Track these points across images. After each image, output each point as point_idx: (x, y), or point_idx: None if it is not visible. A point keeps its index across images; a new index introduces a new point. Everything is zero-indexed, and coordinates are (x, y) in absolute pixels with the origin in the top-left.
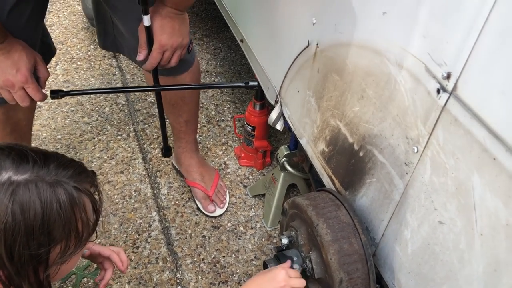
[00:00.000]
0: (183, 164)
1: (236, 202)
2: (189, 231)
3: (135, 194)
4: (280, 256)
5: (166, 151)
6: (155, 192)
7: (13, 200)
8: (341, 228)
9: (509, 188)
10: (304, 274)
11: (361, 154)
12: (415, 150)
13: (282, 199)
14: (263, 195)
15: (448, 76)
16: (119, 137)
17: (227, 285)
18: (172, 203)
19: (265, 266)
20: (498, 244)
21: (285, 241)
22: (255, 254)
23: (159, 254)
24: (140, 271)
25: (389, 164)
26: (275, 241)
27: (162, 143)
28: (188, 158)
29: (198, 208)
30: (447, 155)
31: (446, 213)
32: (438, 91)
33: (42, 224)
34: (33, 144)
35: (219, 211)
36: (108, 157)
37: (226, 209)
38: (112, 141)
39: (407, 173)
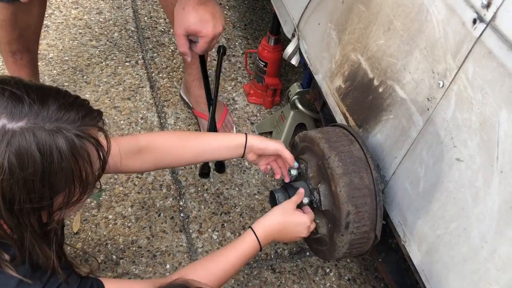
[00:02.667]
0: (192, 94)
1: None
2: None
3: (142, 121)
4: (287, 187)
5: (221, 167)
6: (161, 121)
7: (9, 152)
8: (352, 162)
9: None
10: (310, 205)
11: (380, 90)
12: (441, 85)
13: (290, 138)
14: (270, 133)
15: (488, 5)
16: (127, 64)
17: (229, 216)
18: None
19: (272, 195)
20: None
21: (294, 172)
22: (258, 189)
23: (163, 181)
24: (143, 196)
25: (410, 100)
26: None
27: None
28: (198, 87)
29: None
30: (474, 89)
31: (466, 150)
32: (474, 21)
33: (42, 176)
34: (39, 64)
35: None
36: (115, 82)
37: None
38: (120, 67)
39: (428, 109)
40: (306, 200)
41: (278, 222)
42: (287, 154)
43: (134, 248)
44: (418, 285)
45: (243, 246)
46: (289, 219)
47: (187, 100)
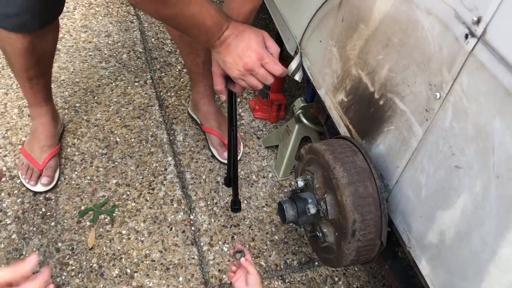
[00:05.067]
0: (201, 110)
1: (249, 152)
2: (203, 177)
3: (152, 139)
4: (295, 198)
5: (229, 181)
6: (171, 138)
7: None
8: (357, 172)
9: None
10: (317, 215)
11: (381, 102)
12: (438, 96)
13: (295, 151)
14: (276, 147)
15: (478, 21)
16: (136, 84)
17: (239, 228)
18: (188, 149)
19: (280, 206)
20: None
21: (301, 183)
22: (266, 201)
23: (174, 196)
24: (155, 211)
25: (409, 111)
26: (286, 190)
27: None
28: (207, 104)
29: (212, 155)
30: (469, 100)
31: (464, 157)
32: (466, 36)
33: None
34: (52, 86)
35: None
36: (125, 102)
37: (240, 158)
38: (129, 87)
39: (427, 120)
40: (313, 210)
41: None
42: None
43: (147, 262)
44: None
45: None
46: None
47: (195, 117)
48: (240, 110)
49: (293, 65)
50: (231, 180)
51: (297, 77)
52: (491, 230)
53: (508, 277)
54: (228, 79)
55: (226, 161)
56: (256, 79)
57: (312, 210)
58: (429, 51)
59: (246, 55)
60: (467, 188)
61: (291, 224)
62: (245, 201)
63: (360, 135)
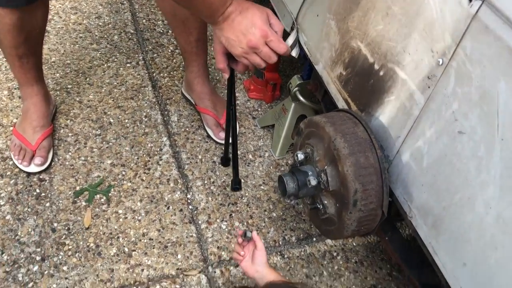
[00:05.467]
0: (195, 90)
1: (245, 132)
2: (199, 156)
3: (146, 119)
4: (295, 171)
5: (226, 161)
6: (165, 118)
7: None
8: (358, 143)
9: None
10: (318, 187)
11: (381, 73)
12: (440, 62)
13: (292, 129)
14: (272, 126)
15: None
16: (128, 65)
17: (236, 206)
18: (183, 129)
19: (281, 179)
20: None
21: (301, 156)
22: (264, 180)
23: (170, 176)
24: (152, 190)
25: (410, 80)
26: (282, 169)
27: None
28: (201, 84)
29: (208, 136)
30: (473, 64)
31: (467, 122)
32: (470, 0)
33: None
34: (43, 67)
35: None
36: (118, 83)
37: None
38: (121, 68)
39: (429, 87)
40: (314, 182)
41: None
42: None
43: (145, 240)
44: (423, 262)
45: None
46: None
47: (189, 97)
48: (235, 90)
49: (290, 41)
50: (230, 159)
51: (294, 53)
52: (496, 193)
53: (505, 237)
54: (230, 57)
55: (222, 141)
56: (260, 57)
57: (313, 182)
58: (431, 18)
59: (250, 32)
60: (471, 153)
61: (291, 198)
62: (242, 180)
63: (359, 108)
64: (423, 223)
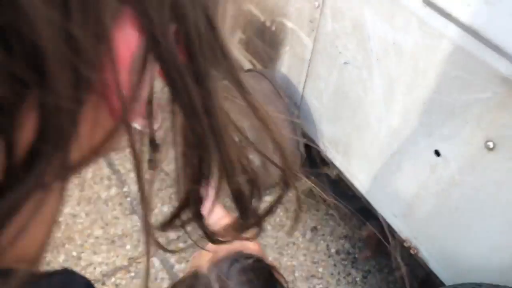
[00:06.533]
0: None
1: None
2: (127, 150)
3: None
4: None
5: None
6: None
7: None
8: (265, 95)
9: (392, 9)
10: None
11: (273, 28)
12: (316, 5)
13: None
14: None
15: None
16: None
17: (174, 188)
18: None
19: None
20: (389, 62)
21: None
22: None
23: (102, 174)
24: (87, 192)
25: (297, 27)
26: None
27: None
28: None
29: None
30: (342, 0)
31: (348, 52)
32: None
33: None
34: None
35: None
36: None
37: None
38: None
39: (313, 30)
40: None
41: None
42: None
43: (91, 240)
44: (350, 192)
45: None
46: None
47: None
48: None
49: None
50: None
51: None
52: (382, 108)
53: (399, 140)
54: None
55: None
56: None
57: None
58: None
59: None
60: (357, 78)
61: None
62: (174, 161)
63: (263, 65)
64: (336, 153)
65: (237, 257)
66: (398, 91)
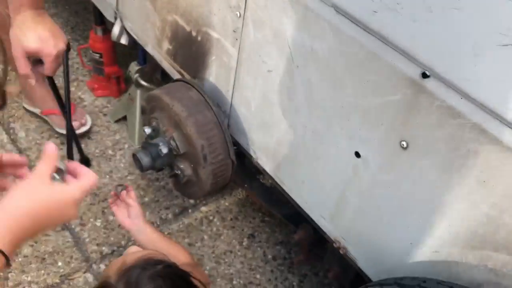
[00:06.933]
0: (36, 96)
1: (99, 131)
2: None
3: None
4: (146, 145)
5: (86, 162)
6: (12, 137)
7: None
8: (194, 104)
9: (307, 18)
10: (171, 154)
11: (199, 38)
12: (238, 15)
13: None
14: (125, 118)
15: None
16: None
17: (107, 202)
18: (33, 143)
19: (135, 157)
20: (309, 69)
21: (148, 130)
22: (128, 170)
23: None
24: None
25: (222, 37)
26: None
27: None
28: (41, 88)
29: (62, 135)
30: (262, 10)
31: (271, 61)
32: None
33: None
34: None
35: (83, 129)
36: None
37: (90, 134)
38: None
39: (237, 39)
40: (165, 150)
41: (24, 214)
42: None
43: (20, 259)
44: (284, 199)
45: None
46: (45, 202)
47: (32, 109)
48: (80, 93)
49: (116, 29)
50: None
51: (123, 40)
52: (305, 114)
53: (326, 146)
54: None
55: (79, 131)
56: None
57: (164, 150)
58: None
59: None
60: (280, 86)
61: (154, 177)
62: (107, 176)
63: (192, 75)
64: (265, 160)
65: (146, 264)
66: (318, 97)
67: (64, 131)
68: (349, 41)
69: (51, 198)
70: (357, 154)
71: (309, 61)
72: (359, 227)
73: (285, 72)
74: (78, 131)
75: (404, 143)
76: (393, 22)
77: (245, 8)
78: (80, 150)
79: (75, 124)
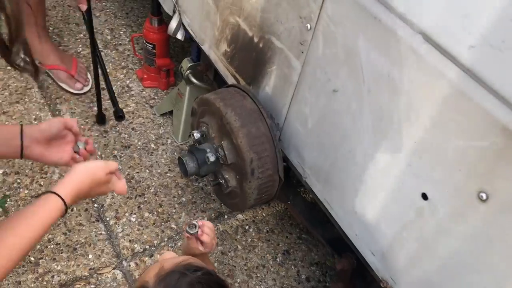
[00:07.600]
0: (38, 49)
1: (144, 122)
2: (99, 152)
3: (36, 122)
4: (193, 150)
5: (119, 113)
6: None
7: None
8: (248, 114)
9: (388, 41)
10: (217, 162)
11: (261, 45)
12: (308, 27)
13: (190, 113)
14: (171, 112)
15: None
16: (8, 68)
17: (144, 197)
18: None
19: (180, 161)
20: (381, 96)
21: (197, 135)
22: (169, 167)
23: None
24: None
25: (286, 48)
26: None
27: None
28: (44, 42)
29: (65, 90)
30: (336, 25)
31: (338, 80)
32: None
33: None
34: None
35: (85, 88)
36: None
37: (133, 125)
38: (1, 72)
39: (302, 52)
40: (212, 158)
41: (82, 181)
42: (73, 121)
43: (52, 246)
44: (326, 218)
45: (45, 210)
46: (94, 177)
47: (49, 73)
48: (128, 82)
49: (173, 23)
50: (104, 116)
51: (179, 35)
52: (370, 142)
53: (388, 178)
54: None
55: (79, 92)
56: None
57: (212, 158)
58: None
59: None
60: (345, 108)
61: (194, 177)
62: (147, 170)
63: (247, 82)
64: (316, 181)
65: (185, 269)
66: (388, 127)
67: (66, 86)
68: (434, 74)
69: (97, 178)
70: (424, 196)
71: (383, 87)
72: (414, 273)
73: (353, 94)
74: (80, 92)
75: (483, 194)
76: (493, 61)
77: (317, 21)
78: (115, 103)
79: (78, 86)
